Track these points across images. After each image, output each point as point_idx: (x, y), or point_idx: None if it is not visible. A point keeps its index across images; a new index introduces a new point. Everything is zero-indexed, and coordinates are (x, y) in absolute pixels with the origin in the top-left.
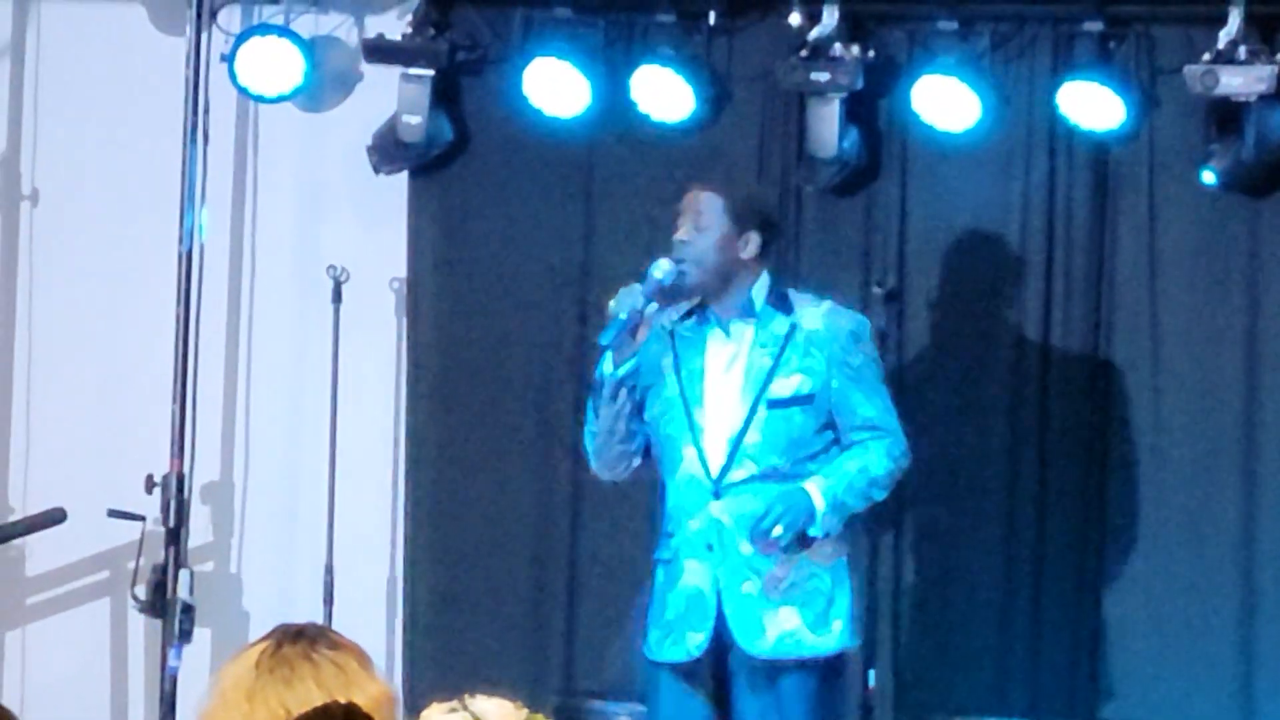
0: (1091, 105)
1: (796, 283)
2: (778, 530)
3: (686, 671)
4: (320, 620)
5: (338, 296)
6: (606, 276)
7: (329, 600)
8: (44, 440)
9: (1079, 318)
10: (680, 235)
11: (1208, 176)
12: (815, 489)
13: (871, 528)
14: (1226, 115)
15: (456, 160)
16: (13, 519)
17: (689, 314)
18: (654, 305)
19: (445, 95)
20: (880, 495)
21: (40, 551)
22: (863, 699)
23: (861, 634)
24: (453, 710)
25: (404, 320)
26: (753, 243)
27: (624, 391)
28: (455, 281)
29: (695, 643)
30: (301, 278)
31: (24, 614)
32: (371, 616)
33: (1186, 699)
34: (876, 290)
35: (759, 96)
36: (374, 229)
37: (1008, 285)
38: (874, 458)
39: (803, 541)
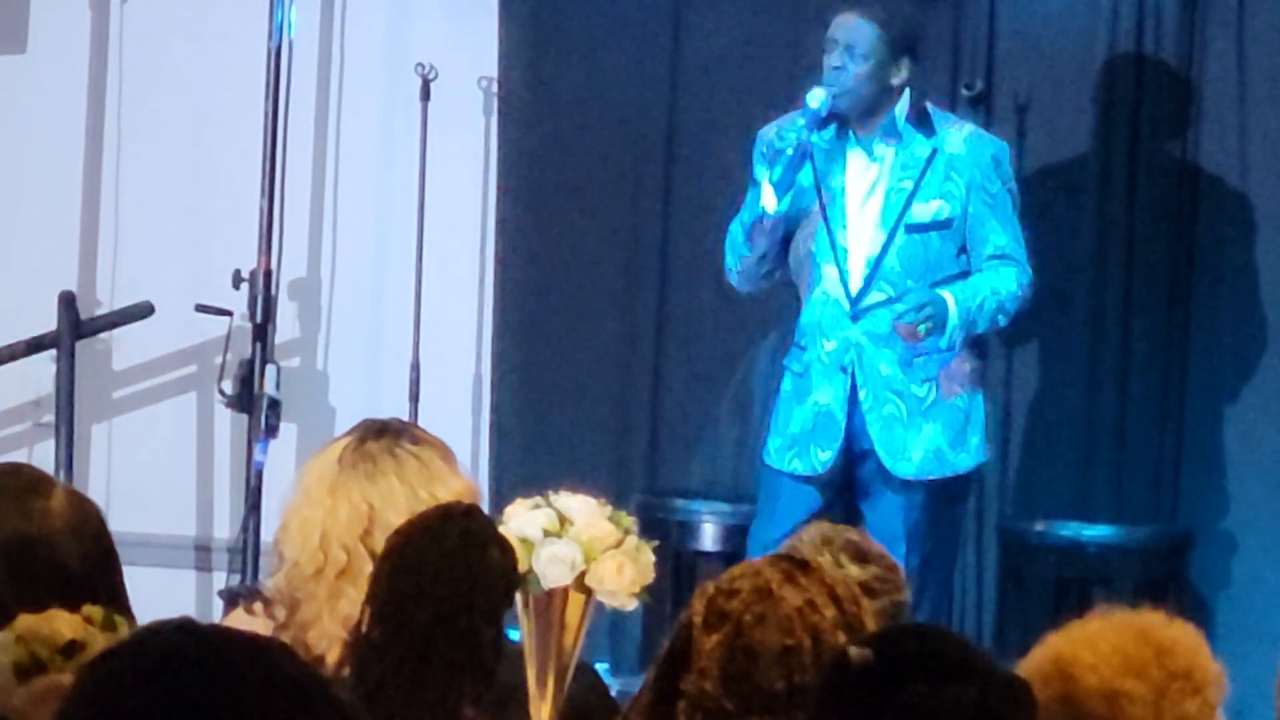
0: None
1: None
2: (919, 325)
3: (809, 480)
4: (405, 417)
5: (426, 94)
6: (696, 82)
7: (414, 397)
8: (132, 234)
9: (1167, 119)
10: (834, 62)
11: None
12: (950, 300)
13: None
14: None
15: None
16: (100, 312)
17: (826, 122)
18: (815, 134)
19: None
20: (1004, 321)
21: (127, 345)
22: None
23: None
24: (536, 507)
25: (492, 119)
26: (905, 69)
27: (781, 221)
28: (544, 80)
29: (821, 459)
30: (390, 75)
31: (111, 407)
32: (456, 413)
33: (1269, 508)
34: (964, 93)
35: None
36: (463, 27)
37: (1096, 88)
38: (1004, 282)
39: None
